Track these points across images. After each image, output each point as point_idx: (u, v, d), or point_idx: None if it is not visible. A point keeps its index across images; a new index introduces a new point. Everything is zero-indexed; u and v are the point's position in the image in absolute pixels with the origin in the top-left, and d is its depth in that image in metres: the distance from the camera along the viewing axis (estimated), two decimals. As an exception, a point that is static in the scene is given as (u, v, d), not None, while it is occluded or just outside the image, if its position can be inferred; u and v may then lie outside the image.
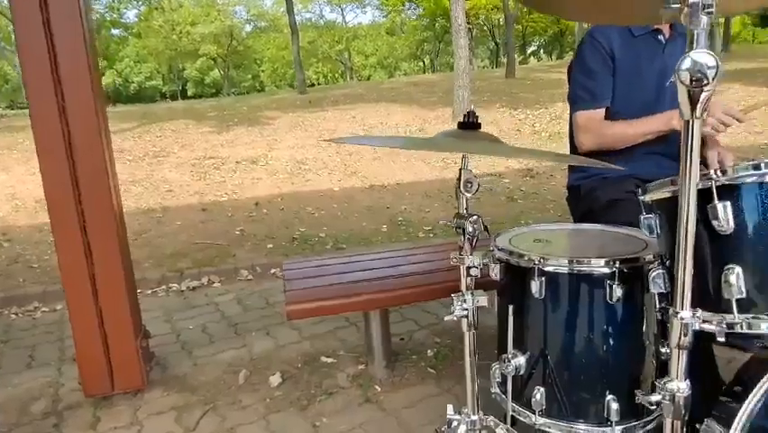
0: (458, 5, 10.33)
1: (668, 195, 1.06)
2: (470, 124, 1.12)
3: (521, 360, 1.45)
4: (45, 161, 2.13)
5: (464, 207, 1.17)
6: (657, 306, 1.13)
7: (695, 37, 0.75)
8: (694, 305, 1.02)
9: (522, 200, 5.83)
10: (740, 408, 1.12)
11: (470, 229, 1.16)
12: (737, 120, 1.71)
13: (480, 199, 6.05)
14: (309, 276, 2.33)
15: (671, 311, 0.86)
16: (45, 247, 4.83)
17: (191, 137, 10.34)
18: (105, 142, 2.25)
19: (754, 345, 1.20)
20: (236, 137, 10.23)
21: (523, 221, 5.13)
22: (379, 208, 5.90)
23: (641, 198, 1.17)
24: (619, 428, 1.36)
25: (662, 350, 1.32)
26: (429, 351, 2.69)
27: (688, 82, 0.76)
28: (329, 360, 2.67)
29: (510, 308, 1.45)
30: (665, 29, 1.97)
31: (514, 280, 1.44)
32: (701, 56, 0.74)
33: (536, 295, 1.36)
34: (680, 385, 0.88)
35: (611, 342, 1.36)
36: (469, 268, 1.19)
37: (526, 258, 1.38)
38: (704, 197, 0.97)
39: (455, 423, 1.33)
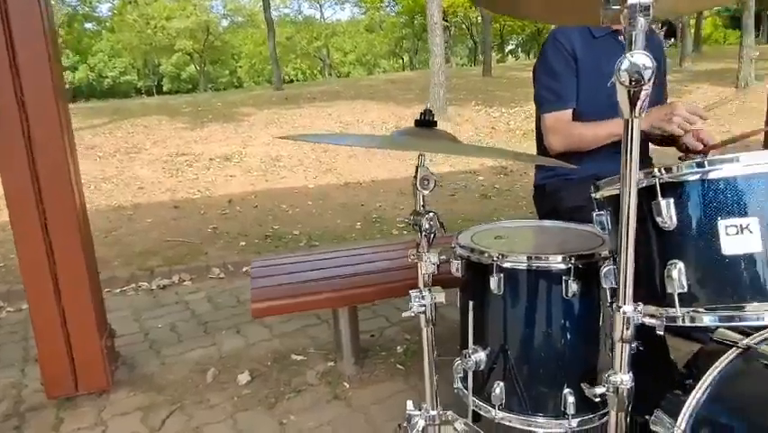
0: (434, 3, 10.36)
1: (616, 192, 1.08)
2: (426, 122, 1.13)
3: (481, 355, 1.47)
4: (4, 157, 2.08)
5: (421, 204, 1.18)
6: (609, 300, 1.16)
7: (633, 38, 0.77)
8: (640, 299, 1.05)
9: (496, 197, 5.89)
10: (687, 399, 1.16)
11: (427, 226, 1.17)
12: (702, 118, 1.74)
13: (455, 196, 6.10)
14: (276, 274, 2.32)
15: (614, 306, 0.88)
16: (10, 246, 4.71)
17: (164, 133, 10.19)
18: (66, 138, 2.20)
19: (708, 336, 1.24)
20: (210, 134, 10.11)
21: (496, 218, 5.18)
22: (353, 206, 5.90)
23: (593, 195, 1.19)
24: (576, 420, 1.39)
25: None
26: (399, 347, 2.71)
27: (627, 83, 0.78)
28: (299, 358, 2.67)
29: (470, 304, 1.47)
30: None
31: (474, 276, 1.46)
32: (639, 57, 0.76)
33: (495, 291, 1.38)
34: (623, 378, 0.90)
35: (568, 336, 1.39)
36: (426, 265, 1.20)
37: (486, 255, 1.40)
38: (649, 194, 1.00)
39: (414, 418, 1.34)
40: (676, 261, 0.97)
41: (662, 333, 0.96)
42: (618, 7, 0.78)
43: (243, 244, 4.80)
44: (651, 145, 2.12)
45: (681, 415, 1.14)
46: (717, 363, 1.15)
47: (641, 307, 0.87)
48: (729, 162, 0.96)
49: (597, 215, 1.17)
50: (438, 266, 1.21)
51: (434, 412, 1.33)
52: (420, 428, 1.34)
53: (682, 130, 1.69)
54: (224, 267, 4.19)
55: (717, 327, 1.16)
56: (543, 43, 2.10)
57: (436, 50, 10.56)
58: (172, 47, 34.88)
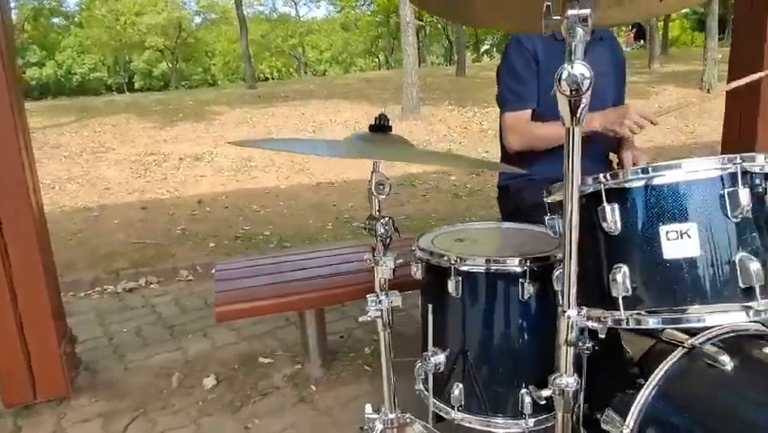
0: (406, 3, 10.38)
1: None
2: (380, 128, 1.13)
3: (441, 357, 1.48)
4: (-45, 158, 2.02)
5: (376, 208, 1.18)
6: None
7: (573, 48, 0.79)
8: (587, 302, 1.07)
9: (467, 197, 5.94)
10: (636, 398, 1.19)
11: (382, 231, 1.17)
12: (651, 122, 1.79)
13: (426, 196, 6.13)
14: (241, 277, 2.30)
15: (559, 310, 0.90)
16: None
17: (132, 132, 9.98)
18: (22, 138, 2.14)
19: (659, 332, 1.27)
20: (180, 133, 9.95)
21: (467, 217, 5.22)
22: (325, 206, 5.88)
23: (545, 199, 1.21)
24: (532, 420, 1.42)
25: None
26: (366, 348, 2.71)
27: (567, 92, 0.79)
28: (266, 360, 2.65)
29: (430, 306, 1.48)
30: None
31: (433, 279, 1.48)
32: (578, 67, 0.78)
33: (453, 294, 1.40)
34: (568, 380, 0.92)
35: (525, 338, 1.42)
36: (383, 269, 1.20)
37: (444, 258, 1.41)
38: (595, 199, 1.02)
39: (373, 422, 1.34)
40: (621, 265, 1.00)
41: (603, 336, 0.97)
42: (559, 18, 0.79)
43: (213, 245, 4.74)
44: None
45: (630, 414, 1.17)
46: (663, 363, 1.18)
47: (584, 311, 0.89)
48: (672, 169, 0.99)
49: (548, 219, 1.20)
50: (394, 271, 1.21)
51: (392, 415, 1.34)
52: (378, 432, 1.34)
53: (632, 132, 1.73)
54: (192, 269, 4.13)
55: (662, 329, 1.19)
56: (506, 46, 2.13)
57: (409, 50, 10.59)
58: (143, 43, 34.15)
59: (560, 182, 1.18)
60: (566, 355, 0.91)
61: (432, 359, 1.47)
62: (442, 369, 1.49)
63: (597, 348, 1.42)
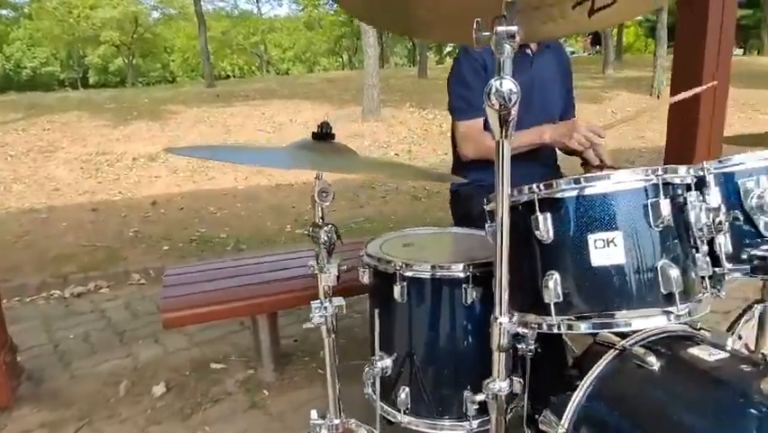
0: (369, 4, 10.34)
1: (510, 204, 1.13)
2: (323, 136, 1.13)
3: (387, 361, 1.50)
4: None
5: (319, 216, 1.19)
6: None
7: (501, 64, 0.81)
8: (522, 307, 1.11)
9: (426, 199, 5.99)
10: (571, 398, 1.23)
11: (325, 238, 1.18)
12: (599, 137, 1.84)
13: (386, 198, 6.15)
14: (191, 282, 2.26)
15: (491, 317, 0.92)
16: None
17: (84, 131, 9.63)
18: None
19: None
20: (134, 132, 9.66)
21: (425, 220, 5.28)
22: (284, 208, 5.82)
23: (485, 207, 1.24)
24: (476, 421, 1.45)
25: (519, 345, 1.44)
26: (321, 352, 2.68)
27: (496, 107, 0.82)
28: (219, 366, 2.61)
29: (376, 311, 1.50)
30: (532, 43, 2.09)
31: (380, 284, 1.49)
32: (505, 83, 0.80)
33: (399, 299, 1.42)
34: (501, 385, 0.94)
35: (468, 341, 1.45)
36: (326, 276, 1.21)
37: (390, 264, 1.43)
38: (530, 208, 1.05)
39: (318, 428, 1.35)
40: (553, 272, 1.03)
41: (532, 342, 1.01)
42: (488, 34, 0.81)
43: (167, 248, 4.63)
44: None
45: (566, 414, 1.21)
46: (597, 365, 1.23)
47: (516, 317, 0.92)
48: (602, 180, 1.04)
49: (488, 226, 1.22)
50: (338, 277, 1.22)
51: (337, 421, 1.35)
52: (323, 438, 1.35)
53: (581, 146, 1.78)
54: (144, 273, 4.04)
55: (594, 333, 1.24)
56: (455, 56, 2.17)
57: (370, 52, 10.60)
58: (98, 38, 33.00)
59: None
60: (499, 360, 0.93)
61: (378, 363, 1.49)
62: (389, 373, 1.51)
63: (539, 350, 1.47)
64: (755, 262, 1.06)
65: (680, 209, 1.04)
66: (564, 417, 1.21)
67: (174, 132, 9.71)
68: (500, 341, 0.92)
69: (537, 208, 1.03)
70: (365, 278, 1.52)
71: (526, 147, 1.98)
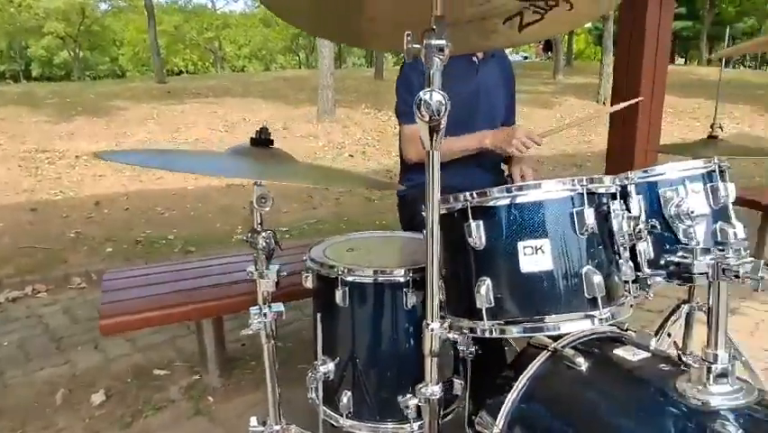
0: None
1: (443, 212, 1.16)
2: (261, 141, 1.12)
3: (330, 366, 1.51)
4: None
5: (258, 222, 1.18)
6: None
7: (430, 76, 0.83)
8: (456, 312, 1.14)
9: (379, 201, 6.01)
10: (505, 399, 1.27)
11: (264, 244, 1.17)
12: (536, 143, 1.91)
13: (340, 200, 6.14)
14: (131, 286, 2.19)
15: (423, 322, 0.94)
16: None
17: (23, 127, 9.17)
18: None
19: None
20: (78, 128, 9.26)
21: (378, 221, 5.30)
22: (235, 208, 5.70)
23: (423, 213, 1.26)
24: (417, 424, 1.47)
25: (460, 348, 1.47)
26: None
27: (426, 119, 0.83)
28: (162, 372, 2.55)
29: (319, 316, 1.50)
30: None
31: (322, 289, 1.50)
32: (435, 96, 0.82)
33: (341, 303, 1.42)
34: (433, 389, 0.96)
35: (409, 344, 1.46)
36: (265, 282, 1.20)
37: (332, 268, 1.43)
38: (463, 216, 1.08)
39: (257, 435, 1.34)
40: (485, 278, 1.06)
41: (464, 347, 1.04)
42: (419, 46, 0.83)
43: (110, 250, 4.47)
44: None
45: (500, 415, 1.25)
46: (530, 366, 1.27)
47: (447, 323, 0.94)
48: (532, 189, 1.07)
49: (425, 232, 1.24)
50: (277, 283, 1.22)
51: (277, 427, 1.34)
52: (263, 445, 1.34)
53: (519, 152, 1.84)
54: (85, 276, 3.89)
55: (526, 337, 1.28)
56: (403, 60, 2.19)
57: (325, 52, 10.55)
58: (41, 29, 31.44)
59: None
60: (431, 365, 0.95)
61: (321, 368, 1.49)
62: (331, 377, 1.51)
63: (480, 352, 1.51)
64: (671, 267, 1.13)
65: (604, 217, 1.09)
66: (499, 417, 1.25)
67: (120, 129, 9.36)
68: (432, 346, 0.93)
69: (470, 216, 1.05)
70: (308, 282, 1.52)
71: (470, 152, 2.03)
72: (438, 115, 0.82)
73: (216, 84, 15.16)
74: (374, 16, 1.06)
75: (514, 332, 1.10)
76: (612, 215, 1.10)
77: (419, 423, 1.47)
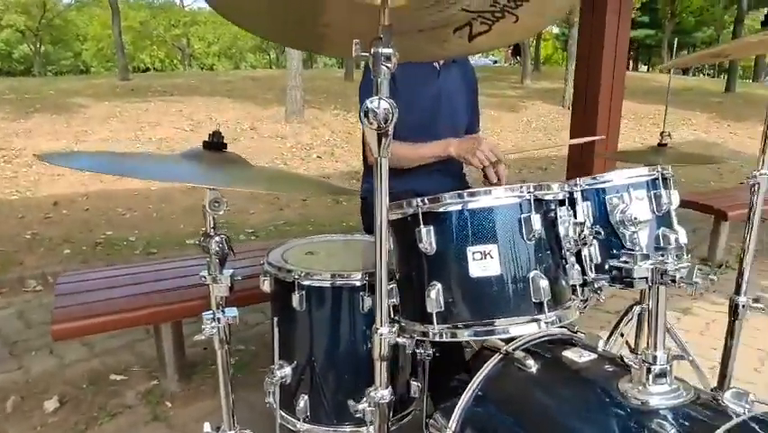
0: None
1: (395, 217, 1.17)
2: (214, 145, 1.12)
3: (287, 370, 1.50)
4: None
5: (210, 226, 1.17)
6: (391, 316, 1.25)
7: (378, 84, 0.84)
8: (409, 316, 1.15)
9: (346, 202, 6.00)
10: (458, 401, 1.29)
11: (217, 249, 1.16)
12: (498, 159, 1.92)
13: (307, 201, 6.10)
14: (86, 290, 2.14)
15: (373, 327, 0.95)
16: None
17: (-23, 124, 8.83)
18: None
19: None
20: (36, 126, 8.94)
21: (345, 223, 5.29)
22: (199, 209, 5.49)
23: (376, 218, 1.27)
24: (373, 426, 1.48)
25: (418, 351, 1.49)
26: (231, 360, 2.64)
27: (374, 126, 0.84)
28: (119, 377, 2.49)
29: (275, 320, 1.50)
30: None
31: (279, 293, 1.50)
32: (382, 104, 0.83)
33: (298, 307, 1.43)
34: (383, 393, 0.97)
35: (366, 348, 1.47)
36: (217, 286, 1.19)
37: (290, 272, 1.43)
38: (415, 221, 1.10)
39: (211, 441, 1.32)
40: (435, 282, 1.08)
41: (410, 351, 1.05)
42: (367, 54, 0.84)
43: (68, 251, 4.34)
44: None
45: (453, 416, 1.27)
46: (483, 369, 1.30)
47: (396, 328, 0.95)
48: (482, 195, 1.10)
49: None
50: (231, 288, 1.21)
51: (231, 432, 1.33)
52: (216, 451, 1.33)
53: (482, 164, 1.86)
54: (41, 278, 3.77)
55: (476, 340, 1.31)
56: (366, 64, 2.19)
57: (293, 53, 10.46)
58: (0, 21, 30.33)
59: (391, 202, 1.25)
60: (380, 370, 0.96)
61: (277, 372, 1.49)
62: (288, 381, 1.51)
63: (438, 354, 1.53)
64: (614, 272, 1.17)
65: (551, 223, 1.12)
66: (452, 419, 1.27)
67: (81, 127, 9.08)
68: (381, 351, 0.94)
69: (421, 221, 1.07)
70: (265, 286, 1.52)
71: (433, 159, 2.05)
72: (385, 123, 0.83)
73: (182, 82, 14.88)
74: (329, 23, 1.07)
75: (465, 335, 1.12)
76: (559, 221, 1.13)
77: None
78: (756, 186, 1.40)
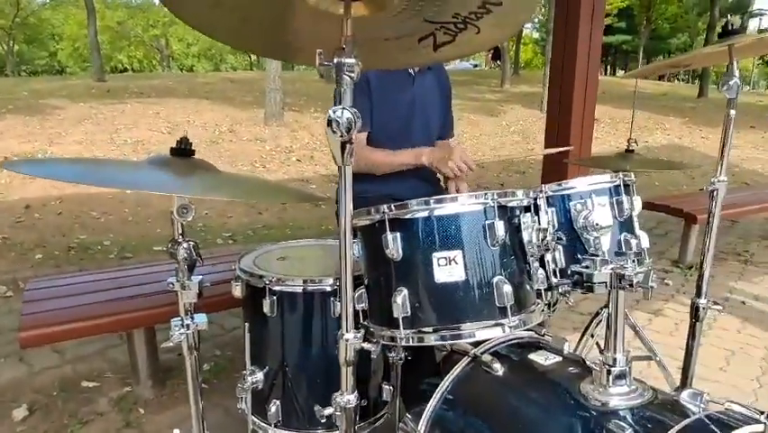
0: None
1: (363, 223, 1.19)
2: (181, 152, 1.12)
3: (259, 376, 1.51)
4: None
5: (179, 232, 1.17)
6: (362, 320, 1.26)
7: (341, 94, 0.85)
8: (377, 321, 1.16)
9: (326, 205, 5.99)
10: (428, 404, 1.31)
11: (185, 255, 1.16)
12: (470, 168, 1.96)
13: (286, 205, 6.07)
14: (55, 296, 2.11)
15: (338, 333, 0.96)
16: None
17: (-54, 125, 8.61)
18: None
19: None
20: (8, 127, 8.74)
21: (324, 226, 5.29)
22: (177, 213, 5.55)
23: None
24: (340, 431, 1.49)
25: (390, 354, 1.50)
26: (206, 365, 2.63)
27: (338, 135, 0.86)
28: (91, 384, 2.46)
29: (246, 325, 1.50)
30: None
31: (251, 298, 1.50)
32: (345, 113, 0.85)
33: (269, 313, 1.43)
34: (349, 398, 0.99)
35: (337, 353, 1.48)
36: (186, 292, 1.19)
37: (259, 278, 1.44)
38: (382, 227, 1.11)
39: (180, 447, 1.32)
40: (402, 288, 1.10)
41: (375, 357, 1.06)
42: (329, 64, 0.85)
43: (40, 256, 4.26)
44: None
45: (422, 419, 1.29)
46: (452, 372, 1.32)
47: (360, 334, 0.96)
48: (448, 202, 1.12)
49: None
50: (200, 294, 1.21)
51: (201, 439, 1.33)
52: (186, 457, 1.32)
53: (453, 174, 1.89)
54: (12, 283, 3.69)
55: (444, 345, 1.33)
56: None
57: (274, 54, 10.41)
58: (-29, 20, 29.65)
59: (360, 209, 1.26)
60: (346, 375, 0.97)
61: (249, 378, 1.49)
62: (260, 387, 1.51)
63: (410, 358, 1.55)
64: (576, 277, 1.20)
65: (516, 229, 1.15)
66: (421, 422, 1.29)
67: (55, 129, 8.91)
68: (347, 356, 0.96)
69: (387, 228, 1.08)
70: (237, 291, 1.52)
71: (407, 166, 2.07)
72: (348, 132, 0.84)
73: (160, 83, 14.70)
74: (297, 31, 1.08)
75: (432, 340, 1.13)
76: (523, 227, 1.15)
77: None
78: (715, 192, 1.44)
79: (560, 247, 1.24)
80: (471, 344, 1.36)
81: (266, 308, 1.42)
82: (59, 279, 2.38)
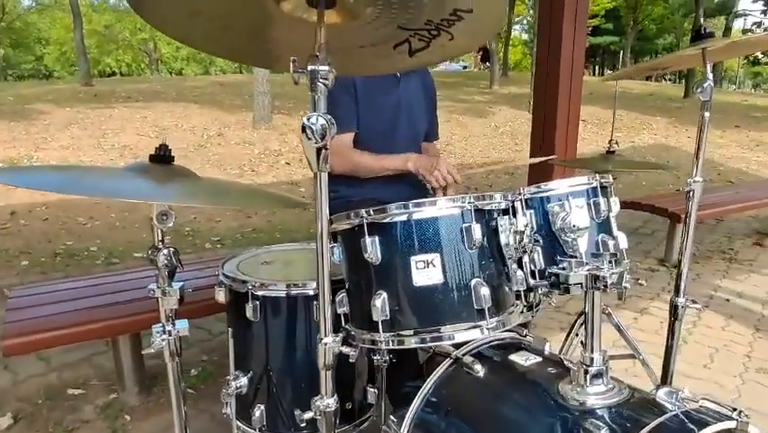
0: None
1: (343, 227, 1.19)
2: (161, 158, 1.12)
3: (243, 380, 1.51)
4: None
5: (159, 238, 1.17)
6: (343, 324, 1.27)
7: (316, 101, 0.86)
8: (357, 325, 1.17)
9: (314, 208, 5.99)
10: (411, 405, 1.32)
11: (165, 262, 1.16)
12: (455, 180, 1.96)
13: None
14: (39, 304, 2.10)
15: (317, 337, 0.97)
16: None
17: (-71, 130, 8.51)
18: None
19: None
20: (-8, 133, 8.69)
21: (313, 230, 5.26)
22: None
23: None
24: (331, 433, 1.49)
25: (375, 357, 1.51)
26: (193, 370, 2.62)
27: (313, 142, 0.87)
28: (77, 391, 2.44)
29: (230, 330, 1.50)
30: None
31: (234, 304, 1.50)
32: (319, 120, 0.86)
33: (252, 318, 1.43)
34: (328, 402, 0.99)
35: (320, 357, 1.49)
36: (167, 299, 1.19)
37: (244, 283, 1.44)
38: (361, 231, 1.12)
39: (163, 454, 1.32)
40: (381, 291, 1.11)
41: (353, 361, 1.07)
42: (304, 70, 0.86)
43: (26, 263, 4.23)
44: None
45: (405, 421, 1.30)
46: (434, 373, 1.33)
47: (339, 337, 0.97)
48: (426, 206, 1.13)
49: (331, 246, 1.27)
50: (181, 300, 1.21)
51: (183, 445, 1.33)
52: (169, 464, 1.32)
53: (438, 184, 1.90)
54: (-4, 291, 3.65)
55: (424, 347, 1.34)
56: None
57: (262, 58, 10.39)
58: (-45, 23, 29.35)
59: (339, 213, 1.27)
60: (325, 379, 0.98)
61: (233, 383, 1.49)
62: (245, 391, 1.52)
63: (394, 361, 1.55)
64: (552, 278, 1.21)
65: (494, 232, 1.16)
66: (404, 425, 1.29)
67: (41, 134, 8.83)
68: (326, 360, 0.96)
69: (366, 232, 1.09)
70: (220, 296, 1.52)
71: (392, 171, 2.07)
72: (322, 138, 0.85)
73: (148, 87, 14.61)
74: (275, 39, 1.09)
75: (412, 342, 1.14)
76: (500, 229, 1.16)
77: (337, 431, 1.50)
78: (691, 192, 1.47)
79: (538, 249, 1.25)
80: (454, 345, 1.37)
81: (249, 313, 1.42)
82: (43, 286, 2.36)
